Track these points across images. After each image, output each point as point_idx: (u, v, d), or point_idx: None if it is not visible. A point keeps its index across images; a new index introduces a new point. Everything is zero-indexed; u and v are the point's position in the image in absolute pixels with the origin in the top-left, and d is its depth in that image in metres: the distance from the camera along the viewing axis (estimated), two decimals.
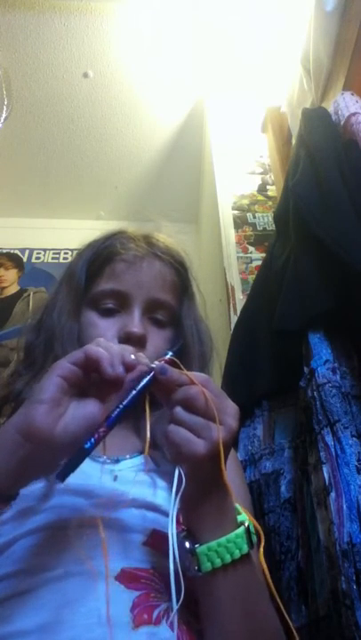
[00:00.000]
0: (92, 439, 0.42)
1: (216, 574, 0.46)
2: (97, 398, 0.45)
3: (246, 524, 0.49)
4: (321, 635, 0.65)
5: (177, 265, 0.75)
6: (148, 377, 0.47)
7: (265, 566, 0.50)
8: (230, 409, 0.47)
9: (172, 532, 0.44)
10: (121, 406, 0.45)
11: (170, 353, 0.49)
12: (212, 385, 0.48)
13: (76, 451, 0.42)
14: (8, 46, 1.99)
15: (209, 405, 0.45)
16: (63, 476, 0.41)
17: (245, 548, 0.47)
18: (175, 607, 0.42)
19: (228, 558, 0.46)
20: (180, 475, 0.45)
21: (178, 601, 0.42)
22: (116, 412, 0.44)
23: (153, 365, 0.48)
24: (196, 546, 0.46)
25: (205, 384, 0.47)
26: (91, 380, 0.45)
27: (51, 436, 0.41)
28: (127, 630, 0.46)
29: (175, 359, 0.49)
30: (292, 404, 0.91)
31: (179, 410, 0.46)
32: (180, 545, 0.47)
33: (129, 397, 0.45)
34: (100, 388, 0.45)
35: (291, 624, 0.47)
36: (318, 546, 0.69)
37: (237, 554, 0.46)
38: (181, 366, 0.48)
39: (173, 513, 0.44)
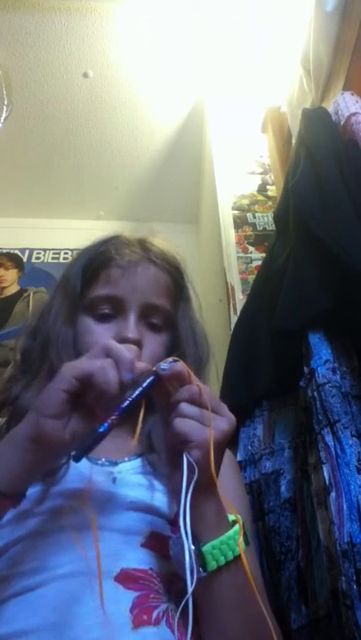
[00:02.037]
0: (106, 424, 0.44)
1: (220, 572, 0.46)
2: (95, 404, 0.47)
3: (241, 522, 0.50)
4: (321, 635, 0.65)
5: (172, 269, 0.75)
6: (152, 378, 0.49)
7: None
8: (225, 405, 0.50)
9: (184, 523, 0.44)
10: (130, 398, 0.47)
11: (172, 359, 0.51)
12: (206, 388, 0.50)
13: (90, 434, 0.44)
14: (8, 46, 1.99)
15: (211, 400, 0.48)
16: (78, 458, 0.44)
17: (244, 545, 0.48)
18: (190, 603, 0.42)
19: (230, 555, 0.47)
20: (189, 463, 0.46)
21: (184, 598, 0.42)
22: (126, 403, 0.46)
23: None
24: (201, 545, 0.46)
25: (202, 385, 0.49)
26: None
27: (61, 442, 0.45)
28: (127, 630, 0.46)
29: (178, 359, 0.50)
30: (292, 404, 0.91)
31: (184, 405, 0.48)
32: (181, 547, 0.46)
33: (137, 391, 0.47)
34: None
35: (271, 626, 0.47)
36: (318, 546, 0.69)
37: (238, 550, 0.47)
38: (185, 365, 0.49)
39: (187, 502, 0.45)
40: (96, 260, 0.72)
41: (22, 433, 0.47)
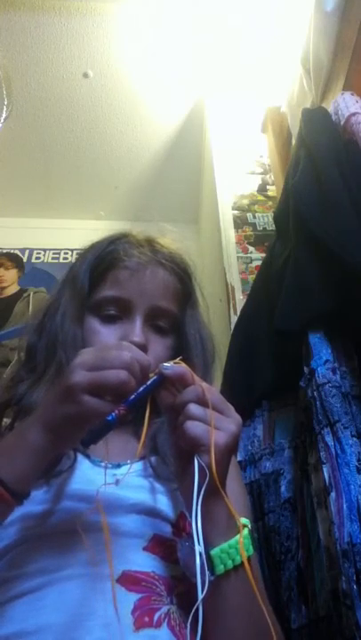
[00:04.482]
0: (114, 414, 0.45)
1: (228, 576, 0.46)
2: None
3: (250, 526, 0.50)
4: (321, 635, 0.65)
5: (181, 272, 0.74)
6: (157, 378, 0.49)
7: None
8: (232, 406, 0.50)
9: (196, 527, 0.44)
10: (137, 393, 0.47)
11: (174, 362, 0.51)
12: (212, 387, 0.50)
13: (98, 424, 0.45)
14: (8, 46, 1.99)
15: (217, 401, 0.48)
16: (86, 445, 0.44)
17: (252, 549, 0.48)
18: (201, 609, 0.42)
19: (238, 559, 0.46)
20: (200, 467, 0.45)
21: (187, 600, 0.42)
22: (134, 396, 0.46)
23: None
24: (210, 548, 0.46)
25: (206, 385, 0.49)
26: None
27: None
28: (128, 633, 0.46)
29: (182, 362, 0.50)
30: (292, 404, 0.91)
31: (193, 406, 0.47)
32: (190, 552, 0.46)
33: (139, 391, 0.47)
34: None
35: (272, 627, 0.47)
36: (318, 546, 0.69)
37: (245, 554, 0.47)
38: (188, 367, 0.49)
39: (198, 507, 0.44)
40: (104, 261, 0.71)
41: (33, 442, 0.47)
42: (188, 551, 0.47)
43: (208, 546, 0.46)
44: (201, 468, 0.45)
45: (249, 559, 0.47)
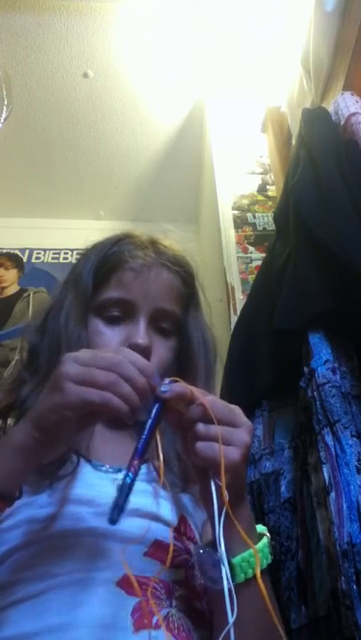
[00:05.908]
0: (130, 473, 0.43)
1: (248, 584, 0.46)
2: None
3: (268, 535, 0.50)
4: (320, 635, 0.65)
5: (184, 274, 0.74)
6: (158, 404, 0.47)
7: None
8: (238, 409, 0.49)
9: (220, 548, 0.43)
10: (144, 437, 0.46)
11: (169, 380, 0.49)
12: (214, 396, 0.50)
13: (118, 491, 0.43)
14: (8, 46, 1.99)
15: (224, 411, 0.47)
16: (115, 520, 0.41)
17: (270, 558, 0.48)
18: (231, 621, 0.40)
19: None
20: (218, 487, 0.44)
21: (232, 615, 0.41)
22: (141, 443, 0.45)
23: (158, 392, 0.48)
24: (231, 557, 0.45)
25: (210, 395, 0.48)
26: None
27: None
28: (127, 634, 0.47)
29: (178, 379, 0.49)
30: (292, 404, 0.91)
31: (200, 426, 0.46)
32: (208, 559, 0.46)
33: (147, 428, 0.46)
34: None
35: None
36: (318, 546, 0.69)
37: (265, 563, 0.47)
38: (184, 384, 0.48)
39: (221, 536, 0.43)
40: (108, 262, 0.70)
41: (19, 441, 0.46)
42: (206, 558, 0.46)
43: (229, 554, 0.45)
44: (218, 488, 0.44)
45: (267, 567, 0.47)
